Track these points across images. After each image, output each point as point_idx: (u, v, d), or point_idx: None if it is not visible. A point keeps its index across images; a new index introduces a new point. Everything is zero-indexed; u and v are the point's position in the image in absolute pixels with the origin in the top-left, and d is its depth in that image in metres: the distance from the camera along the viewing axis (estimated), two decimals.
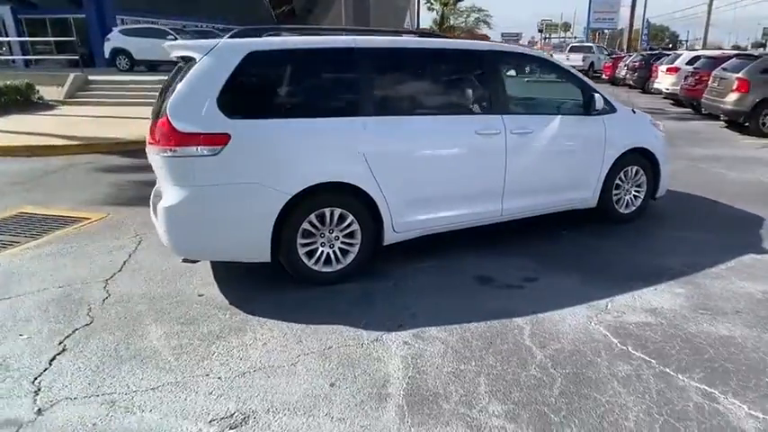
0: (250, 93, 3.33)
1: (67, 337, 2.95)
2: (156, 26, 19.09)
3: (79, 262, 3.98)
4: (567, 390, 2.45)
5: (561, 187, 4.30)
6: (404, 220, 3.66)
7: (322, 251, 3.51)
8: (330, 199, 3.43)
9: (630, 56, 23.28)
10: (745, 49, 26.49)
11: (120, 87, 13.55)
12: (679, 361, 2.67)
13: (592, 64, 26.80)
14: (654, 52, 22.91)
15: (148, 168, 3.53)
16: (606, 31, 36.43)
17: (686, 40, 66.80)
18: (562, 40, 67.39)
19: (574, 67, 4.84)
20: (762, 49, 40.14)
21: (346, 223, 3.51)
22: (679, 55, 17.02)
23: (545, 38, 66.96)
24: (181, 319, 3.16)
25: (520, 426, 2.22)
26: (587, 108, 4.23)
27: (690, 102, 13.37)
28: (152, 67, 17.43)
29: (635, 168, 4.62)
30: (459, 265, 3.88)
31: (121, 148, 8.28)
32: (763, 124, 9.80)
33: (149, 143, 3.27)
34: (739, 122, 10.28)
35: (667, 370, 2.60)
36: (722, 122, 11.13)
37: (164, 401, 2.39)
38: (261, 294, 3.42)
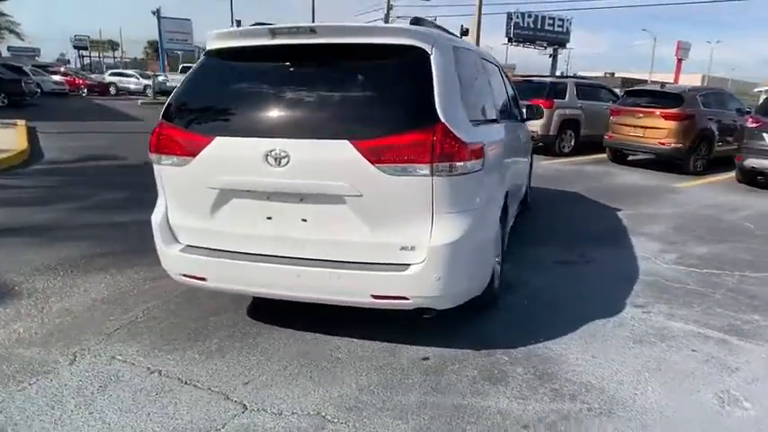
0: (465, 96, 2.88)
1: None
2: None
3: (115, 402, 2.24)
4: (758, 295, 3.65)
5: (522, 183, 5.31)
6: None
7: (497, 269, 3.33)
8: None
9: None
10: None
11: None
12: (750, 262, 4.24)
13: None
14: None
15: None
16: (179, 52, 37.11)
17: None
18: (117, 59, 62.86)
19: None
20: None
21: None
22: None
23: (82, 56, 62.62)
24: (479, 380, 2.52)
25: None
26: (522, 115, 5.35)
27: None
28: None
29: (529, 165, 6.08)
30: (525, 257, 4.30)
31: None
32: None
33: (394, 161, 2.34)
34: None
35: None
36: None
37: None
38: (472, 335, 2.97)
